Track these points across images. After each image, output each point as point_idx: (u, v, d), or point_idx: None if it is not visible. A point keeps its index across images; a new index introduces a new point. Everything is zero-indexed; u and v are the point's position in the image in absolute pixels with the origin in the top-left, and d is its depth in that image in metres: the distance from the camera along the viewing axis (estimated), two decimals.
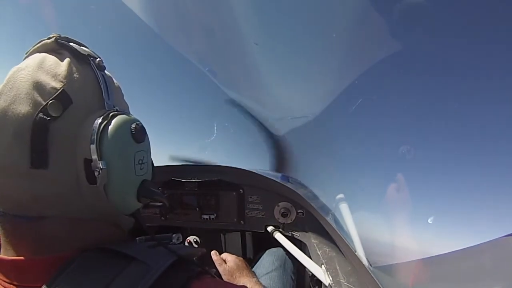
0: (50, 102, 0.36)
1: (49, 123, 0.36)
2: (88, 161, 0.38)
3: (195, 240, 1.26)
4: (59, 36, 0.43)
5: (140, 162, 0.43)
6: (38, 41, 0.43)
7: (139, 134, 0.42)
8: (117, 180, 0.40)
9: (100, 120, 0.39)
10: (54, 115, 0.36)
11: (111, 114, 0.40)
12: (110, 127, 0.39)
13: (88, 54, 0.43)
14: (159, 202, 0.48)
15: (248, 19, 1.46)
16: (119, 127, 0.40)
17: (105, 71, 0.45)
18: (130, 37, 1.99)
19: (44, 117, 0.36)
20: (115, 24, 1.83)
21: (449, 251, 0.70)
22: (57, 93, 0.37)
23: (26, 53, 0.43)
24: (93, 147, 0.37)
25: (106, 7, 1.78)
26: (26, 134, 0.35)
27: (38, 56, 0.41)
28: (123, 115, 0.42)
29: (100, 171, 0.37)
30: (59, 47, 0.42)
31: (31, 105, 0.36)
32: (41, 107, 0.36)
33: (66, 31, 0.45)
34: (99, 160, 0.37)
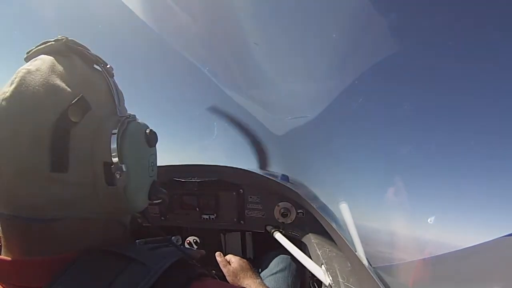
0: (71, 107, 0.37)
1: (70, 128, 0.37)
2: (108, 164, 0.39)
3: (194, 240, 1.26)
4: (67, 38, 0.43)
5: (152, 164, 0.47)
6: (43, 41, 0.42)
7: (152, 139, 0.46)
8: (135, 182, 0.42)
9: (119, 126, 0.41)
10: (74, 120, 0.37)
11: (127, 120, 0.43)
12: (128, 133, 0.42)
13: (97, 60, 0.45)
14: (159, 199, 0.51)
15: (248, 19, 1.46)
16: (136, 132, 0.44)
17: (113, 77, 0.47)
18: (129, 36, 1.99)
19: (65, 122, 0.36)
20: (114, 24, 1.82)
21: (449, 251, 0.70)
22: (76, 99, 0.37)
23: (28, 53, 0.43)
24: (114, 151, 0.39)
25: (106, 7, 1.78)
26: (47, 139, 0.35)
27: (47, 59, 0.40)
28: (136, 121, 0.45)
29: (121, 174, 0.39)
30: (67, 50, 0.42)
31: (49, 109, 0.36)
32: (61, 112, 0.36)
33: (65, 31, 0.45)
34: (120, 164, 0.39)
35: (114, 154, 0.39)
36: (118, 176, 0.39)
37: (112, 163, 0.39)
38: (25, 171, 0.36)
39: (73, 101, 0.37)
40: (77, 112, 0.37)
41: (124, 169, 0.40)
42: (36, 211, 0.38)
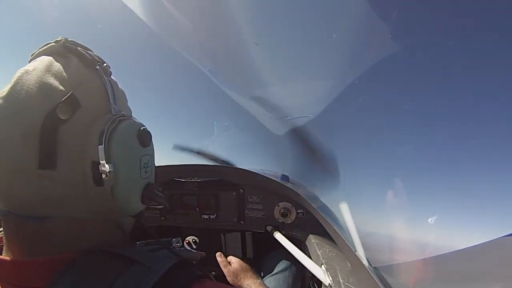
0: (60, 105, 0.37)
1: (58, 126, 0.37)
2: (96, 164, 0.38)
3: (193, 240, 1.26)
4: (66, 39, 0.43)
5: (145, 165, 0.44)
6: (44, 43, 0.43)
7: (145, 139, 0.44)
8: (123, 183, 0.40)
9: (108, 124, 0.40)
10: (63, 117, 0.37)
11: (118, 119, 0.42)
12: (117, 131, 0.40)
13: (94, 59, 0.44)
14: (160, 205, 0.49)
15: (248, 19, 1.46)
16: (126, 131, 0.42)
17: (111, 76, 0.46)
18: (130, 36, 1.99)
19: (54, 119, 0.36)
20: (114, 24, 1.82)
21: (449, 251, 0.70)
22: (66, 97, 0.37)
23: (32, 55, 0.43)
24: (101, 150, 0.38)
25: (106, 7, 1.78)
26: (36, 136, 0.35)
27: (45, 59, 0.41)
28: (130, 120, 0.43)
29: (108, 174, 0.38)
30: (66, 51, 0.42)
31: (40, 107, 0.36)
32: (51, 109, 0.36)
33: (65, 32, 0.45)
34: (107, 163, 0.38)
35: (102, 153, 0.38)
36: (104, 176, 0.38)
37: (100, 162, 0.38)
38: (16, 168, 0.36)
39: (63, 99, 0.37)
40: (66, 110, 0.37)
41: (110, 169, 0.38)
42: (29, 208, 0.38)
